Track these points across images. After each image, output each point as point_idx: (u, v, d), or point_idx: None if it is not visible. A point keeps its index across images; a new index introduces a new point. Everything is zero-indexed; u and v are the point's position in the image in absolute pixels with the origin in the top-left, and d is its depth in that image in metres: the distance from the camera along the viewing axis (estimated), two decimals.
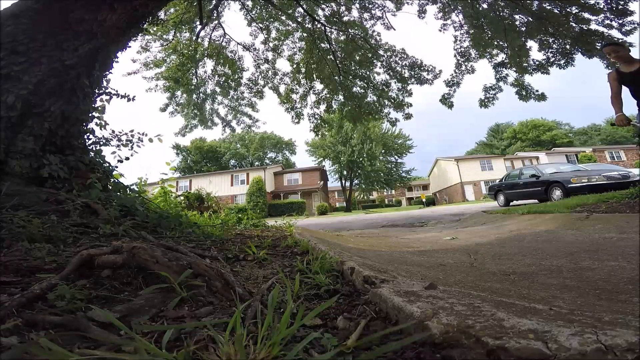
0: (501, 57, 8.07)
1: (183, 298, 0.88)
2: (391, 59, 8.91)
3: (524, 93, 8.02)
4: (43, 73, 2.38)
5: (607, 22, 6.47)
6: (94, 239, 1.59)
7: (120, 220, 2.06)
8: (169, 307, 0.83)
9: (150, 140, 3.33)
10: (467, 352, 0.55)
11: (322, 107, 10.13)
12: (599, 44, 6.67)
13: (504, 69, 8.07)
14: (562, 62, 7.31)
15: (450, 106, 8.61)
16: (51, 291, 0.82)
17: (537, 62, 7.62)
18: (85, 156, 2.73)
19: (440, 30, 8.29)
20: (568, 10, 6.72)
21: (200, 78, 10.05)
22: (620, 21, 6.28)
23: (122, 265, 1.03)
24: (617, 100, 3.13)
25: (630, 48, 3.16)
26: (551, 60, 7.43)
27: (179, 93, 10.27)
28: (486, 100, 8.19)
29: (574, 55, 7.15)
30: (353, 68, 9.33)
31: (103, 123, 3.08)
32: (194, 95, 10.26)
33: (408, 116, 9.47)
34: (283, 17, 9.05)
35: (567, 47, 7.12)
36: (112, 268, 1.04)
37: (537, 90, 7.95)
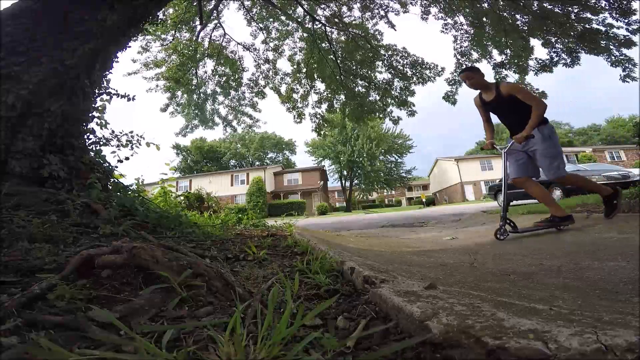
0: (501, 57, 8.07)
1: (183, 298, 0.87)
2: (392, 58, 8.91)
3: None
4: (43, 73, 2.38)
5: (610, 21, 6.47)
6: (94, 239, 1.59)
7: (120, 220, 2.06)
8: (169, 307, 0.83)
9: (148, 145, 3.34)
10: (467, 352, 0.55)
11: (324, 106, 10.13)
12: (603, 42, 6.67)
13: (503, 69, 8.07)
14: (568, 60, 7.30)
15: (454, 103, 8.60)
16: (51, 291, 0.82)
17: (540, 61, 7.60)
18: (85, 156, 2.73)
19: (442, 31, 8.28)
20: (569, 9, 6.72)
21: (200, 78, 10.04)
22: (627, 20, 6.27)
23: (122, 265, 1.03)
24: (487, 126, 3.20)
25: (483, 73, 3.06)
26: (555, 59, 7.41)
27: (179, 93, 10.26)
28: None
29: (579, 54, 7.15)
30: (354, 68, 9.33)
31: (104, 122, 3.09)
32: (195, 96, 10.25)
33: (412, 113, 9.46)
34: (283, 17, 9.05)
35: (571, 45, 7.11)
36: (112, 268, 1.03)
37: (537, 89, 7.95)
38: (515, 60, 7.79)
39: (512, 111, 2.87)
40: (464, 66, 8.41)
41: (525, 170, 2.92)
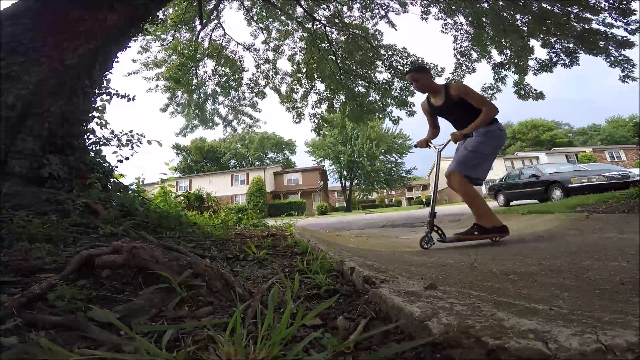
0: (500, 57, 8.08)
1: (183, 298, 0.87)
2: (392, 58, 8.91)
3: (522, 92, 8.03)
4: (43, 73, 2.38)
5: (610, 21, 6.48)
6: (94, 239, 1.59)
7: (120, 220, 2.06)
8: (169, 307, 0.83)
9: (149, 142, 3.35)
10: (467, 352, 0.55)
11: (324, 106, 10.14)
12: (602, 43, 6.67)
13: (502, 69, 8.08)
14: (567, 61, 7.31)
15: None
16: (51, 291, 0.82)
17: (540, 61, 7.61)
18: (85, 156, 2.73)
19: (442, 31, 8.29)
20: (569, 9, 6.72)
21: (200, 78, 10.05)
22: (626, 20, 6.28)
23: (122, 265, 1.03)
24: (431, 130, 2.95)
25: (432, 74, 2.78)
26: (554, 59, 7.42)
27: (179, 93, 10.27)
28: None
29: (578, 54, 7.16)
30: (354, 68, 9.34)
31: (104, 122, 3.09)
32: (195, 96, 10.26)
33: (412, 113, 9.47)
34: (283, 17, 9.06)
35: (570, 45, 7.13)
36: (112, 268, 1.03)
37: (535, 89, 7.96)
38: (515, 60, 7.80)
39: (463, 114, 2.56)
40: (464, 66, 8.41)
41: None
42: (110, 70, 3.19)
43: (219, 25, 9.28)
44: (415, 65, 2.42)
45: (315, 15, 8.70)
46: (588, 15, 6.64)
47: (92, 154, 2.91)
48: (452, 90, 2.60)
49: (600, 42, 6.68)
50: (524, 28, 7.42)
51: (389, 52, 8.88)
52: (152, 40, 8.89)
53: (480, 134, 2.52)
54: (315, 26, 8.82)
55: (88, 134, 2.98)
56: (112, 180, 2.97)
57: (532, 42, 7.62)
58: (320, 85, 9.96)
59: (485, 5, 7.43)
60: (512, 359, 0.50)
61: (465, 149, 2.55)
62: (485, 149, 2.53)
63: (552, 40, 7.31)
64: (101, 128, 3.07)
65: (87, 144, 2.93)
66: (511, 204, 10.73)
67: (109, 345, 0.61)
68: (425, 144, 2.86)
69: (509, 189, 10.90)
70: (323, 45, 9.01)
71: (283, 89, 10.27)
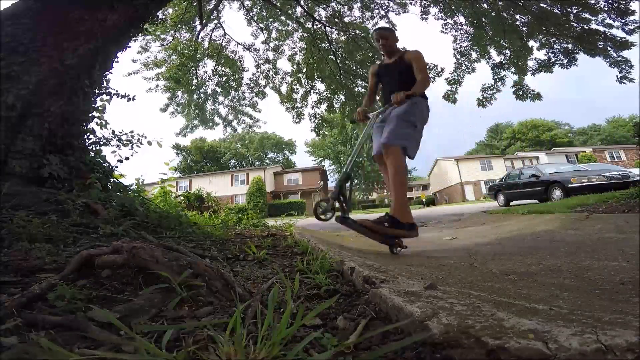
0: (500, 58, 8.09)
1: (183, 298, 0.87)
2: None
3: (520, 93, 8.04)
4: (43, 73, 2.38)
5: (609, 21, 6.48)
6: (94, 239, 1.59)
7: (120, 220, 2.06)
8: (169, 307, 0.83)
9: (149, 143, 3.35)
10: (467, 352, 0.55)
11: (323, 106, 10.13)
12: (601, 44, 6.67)
13: (501, 70, 8.08)
14: (564, 61, 7.31)
15: (454, 102, 8.64)
16: (51, 291, 0.82)
17: (540, 61, 7.62)
18: (85, 156, 2.73)
19: (442, 31, 8.29)
20: (568, 9, 6.73)
21: (200, 78, 10.05)
22: (624, 20, 6.28)
23: (122, 265, 1.03)
24: (369, 94, 2.83)
25: (398, 38, 2.73)
26: (553, 60, 7.43)
27: (179, 93, 10.27)
28: (484, 100, 8.22)
29: (576, 55, 7.16)
30: (354, 68, 9.33)
31: (104, 122, 3.09)
32: (195, 96, 10.26)
33: None
34: (283, 17, 9.06)
35: (569, 46, 7.13)
36: (112, 268, 1.03)
37: (533, 90, 7.97)
38: (514, 61, 7.81)
39: (401, 77, 2.44)
40: (464, 66, 8.40)
41: None
42: (110, 70, 3.20)
43: (219, 25, 9.28)
44: (385, 25, 2.42)
45: (315, 15, 8.70)
46: (587, 15, 6.64)
47: (92, 154, 2.91)
48: (408, 54, 2.58)
49: (599, 43, 6.68)
50: (524, 28, 7.42)
51: None
52: (152, 40, 8.88)
53: (413, 103, 2.34)
54: (315, 26, 8.82)
55: (88, 134, 2.98)
56: (112, 180, 2.97)
57: (531, 43, 7.64)
58: (320, 85, 9.96)
59: (485, 5, 7.43)
60: (512, 359, 0.50)
61: (397, 117, 2.30)
62: (416, 119, 2.35)
63: (551, 41, 7.31)
64: (101, 128, 3.08)
65: (87, 144, 2.93)
66: (511, 204, 10.73)
67: (109, 345, 0.61)
68: (364, 116, 2.58)
69: (509, 189, 10.90)
70: (323, 45, 9.01)
71: (283, 89, 10.27)
